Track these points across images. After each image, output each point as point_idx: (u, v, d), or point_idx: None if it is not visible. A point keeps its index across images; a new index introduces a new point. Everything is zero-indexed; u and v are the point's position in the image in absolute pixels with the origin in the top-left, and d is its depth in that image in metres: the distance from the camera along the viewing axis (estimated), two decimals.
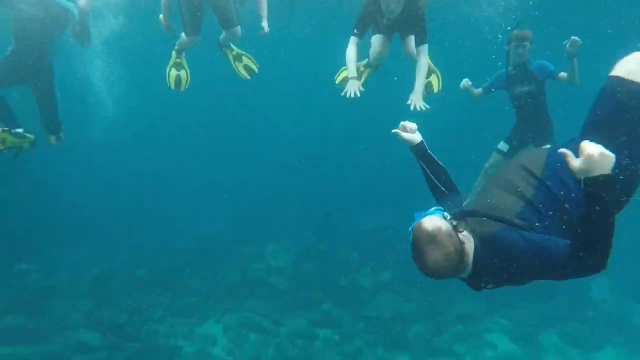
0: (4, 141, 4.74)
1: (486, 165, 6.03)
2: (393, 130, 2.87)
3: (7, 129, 4.75)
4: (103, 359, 7.07)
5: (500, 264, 2.25)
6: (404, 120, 2.91)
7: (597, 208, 2.04)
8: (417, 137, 2.86)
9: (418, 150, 2.87)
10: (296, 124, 16.40)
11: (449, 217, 2.30)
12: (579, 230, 2.11)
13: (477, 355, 8.52)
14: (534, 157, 2.63)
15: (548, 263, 2.18)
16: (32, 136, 4.92)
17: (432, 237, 2.18)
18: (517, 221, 2.24)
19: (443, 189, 2.84)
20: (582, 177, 2.06)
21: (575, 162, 2.06)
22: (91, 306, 8.29)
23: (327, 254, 10.93)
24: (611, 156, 2.03)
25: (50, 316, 7.89)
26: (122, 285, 8.96)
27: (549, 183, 2.44)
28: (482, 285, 2.38)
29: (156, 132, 15.40)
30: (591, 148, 2.04)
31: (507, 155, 5.82)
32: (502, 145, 5.96)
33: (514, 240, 2.22)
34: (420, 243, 2.20)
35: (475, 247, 2.31)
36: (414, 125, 2.86)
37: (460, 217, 2.31)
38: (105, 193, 11.83)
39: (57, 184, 10.66)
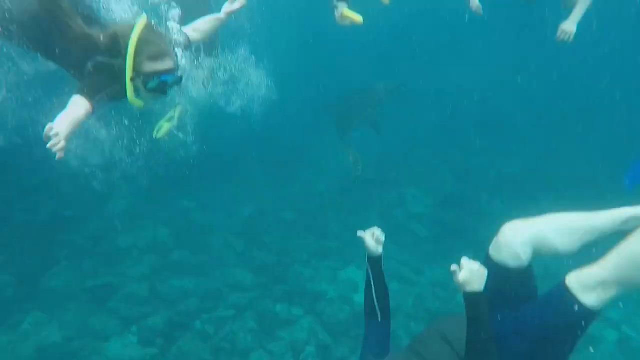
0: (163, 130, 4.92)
1: None
2: (359, 232, 3.00)
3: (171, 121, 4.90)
4: (255, 298, 7.71)
5: None
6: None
7: (476, 326, 2.31)
8: (379, 250, 2.96)
9: (373, 261, 2.96)
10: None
11: None
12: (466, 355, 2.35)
13: None
14: (457, 325, 2.57)
15: None
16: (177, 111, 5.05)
17: None
18: None
19: (379, 313, 2.90)
20: (463, 292, 2.36)
21: (458, 276, 2.36)
22: (244, 245, 9.00)
23: (468, 200, 10.62)
24: (485, 272, 2.40)
25: (210, 253, 8.72)
26: (271, 226, 9.55)
27: None
28: None
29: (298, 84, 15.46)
30: (471, 263, 2.41)
31: None
32: None
33: None
34: None
35: None
36: (382, 238, 2.99)
37: None
38: (250, 136, 12.27)
39: (212, 129, 11.34)
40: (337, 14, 5.17)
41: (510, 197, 10.57)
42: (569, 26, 5.65)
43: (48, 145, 3.33)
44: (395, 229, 9.72)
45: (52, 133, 3.35)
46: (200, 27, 4.73)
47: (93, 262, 8.24)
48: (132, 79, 3.94)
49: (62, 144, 3.39)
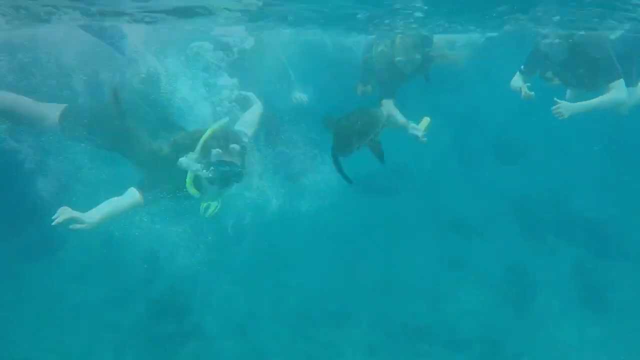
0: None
1: None
2: None
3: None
4: None
5: None
6: None
7: None
8: None
9: None
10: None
11: None
12: None
13: None
14: None
15: None
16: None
17: None
18: None
19: None
20: None
21: None
22: (288, 336, 8.76)
23: (521, 300, 10.12)
24: None
25: (253, 343, 8.55)
26: (316, 317, 9.30)
27: None
28: None
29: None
30: None
31: None
32: None
33: None
34: None
35: None
36: None
37: None
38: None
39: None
40: (420, 136, 5.76)
41: (569, 297, 10.07)
42: (567, 110, 5.37)
43: (53, 223, 3.83)
44: (445, 328, 9.29)
45: (70, 216, 3.84)
46: (250, 120, 5.19)
47: (137, 346, 8.19)
48: (195, 159, 4.32)
49: (80, 226, 3.92)
